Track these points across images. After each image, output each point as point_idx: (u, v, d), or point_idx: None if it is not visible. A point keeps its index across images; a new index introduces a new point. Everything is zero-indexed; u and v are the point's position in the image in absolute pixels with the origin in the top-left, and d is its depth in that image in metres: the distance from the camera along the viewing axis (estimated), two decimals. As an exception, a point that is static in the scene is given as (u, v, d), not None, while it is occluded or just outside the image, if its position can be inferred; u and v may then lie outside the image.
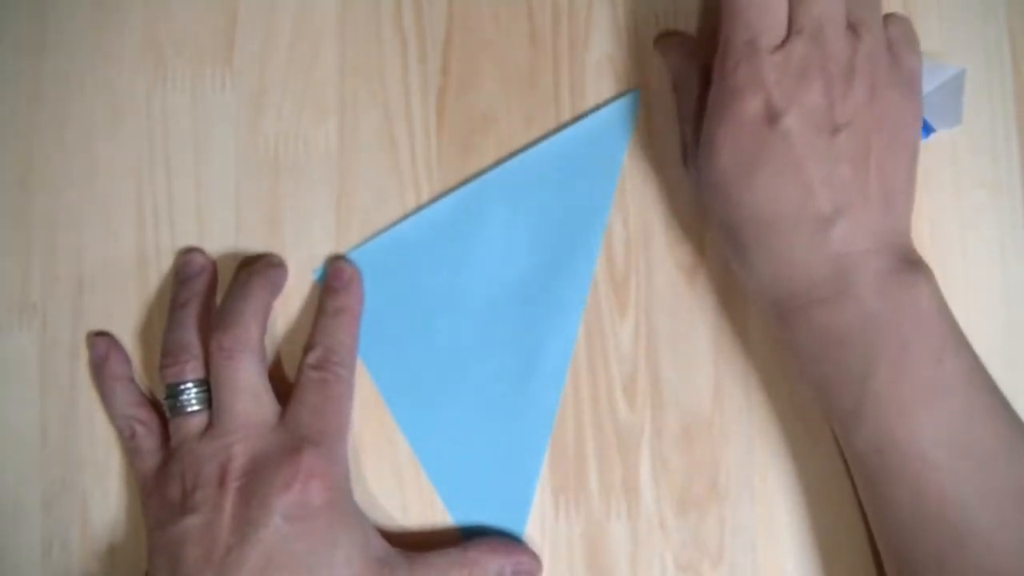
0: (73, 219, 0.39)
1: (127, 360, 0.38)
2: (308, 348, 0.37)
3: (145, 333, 0.38)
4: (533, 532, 0.38)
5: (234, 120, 0.39)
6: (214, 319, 0.36)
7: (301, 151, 0.39)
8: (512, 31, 0.39)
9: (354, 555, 0.34)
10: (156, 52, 0.39)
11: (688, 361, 0.38)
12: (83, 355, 0.38)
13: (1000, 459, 0.31)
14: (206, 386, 0.35)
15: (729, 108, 0.32)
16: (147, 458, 0.36)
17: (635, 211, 0.39)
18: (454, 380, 0.38)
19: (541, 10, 0.39)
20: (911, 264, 0.32)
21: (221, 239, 0.39)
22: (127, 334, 0.38)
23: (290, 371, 0.38)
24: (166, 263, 0.39)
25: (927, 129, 0.37)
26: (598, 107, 0.39)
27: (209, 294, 0.38)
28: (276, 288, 0.38)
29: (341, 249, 0.39)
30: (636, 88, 0.39)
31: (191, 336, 0.36)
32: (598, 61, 0.39)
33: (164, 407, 0.36)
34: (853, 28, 0.33)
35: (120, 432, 0.37)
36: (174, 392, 0.35)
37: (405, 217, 0.39)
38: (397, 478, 0.38)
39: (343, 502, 0.35)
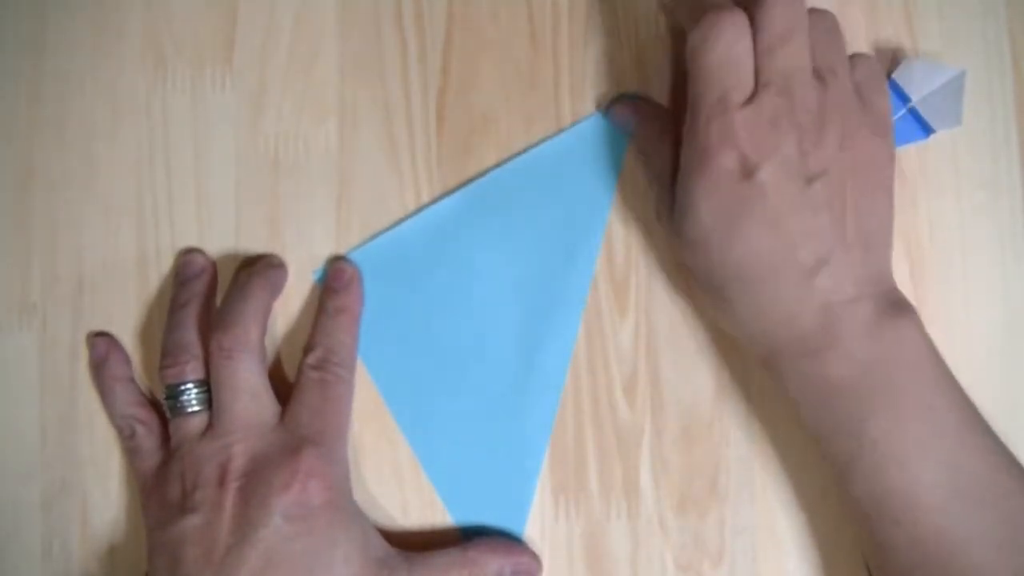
0: (73, 219, 0.39)
1: (127, 360, 0.38)
2: (308, 348, 0.37)
3: (145, 333, 0.38)
4: (533, 532, 0.38)
5: (234, 120, 0.39)
6: (214, 319, 0.36)
7: (301, 151, 0.39)
8: (512, 31, 0.39)
9: (353, 555, 0.34)
10: (156, 52, 0.39)
11: (688, 361, 0.38)
12: (83, 355, 0.38)
13: (992, 498, 0.31)
14: (206, 386, 0.35)
15: (704, 166, 0.32)
16: (147, 458, 0.36)
17: (635, 211, 0.39)
18: (454, 380, 0.38)
19: (541, 10, 0.39)
20: (896, 307, 0.32)
21: (221, 239, 0.39)
22: (127, 334, 0.38)
23: (290, 371, 0.38)
24: (166, 263, 0.39)
25: (927, 129, 0.37)
26: (598, 108, 0.39)
27: (209, 295, 0.38)
28: (276, 289, 0.38)
29: (341, 249, 0.39)
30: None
31: (191, 336, 0.36)
32: (598, 61, 0.39)
33: (164, 407, 0.36)
34: (819, 75, 0.33)
35: (120, 432, 0.37)
36: (174, 392, 0.35)
37: (405, 217, 0.39)
38: (397, 478, 0.38)
39: (343, 502, 0.35)
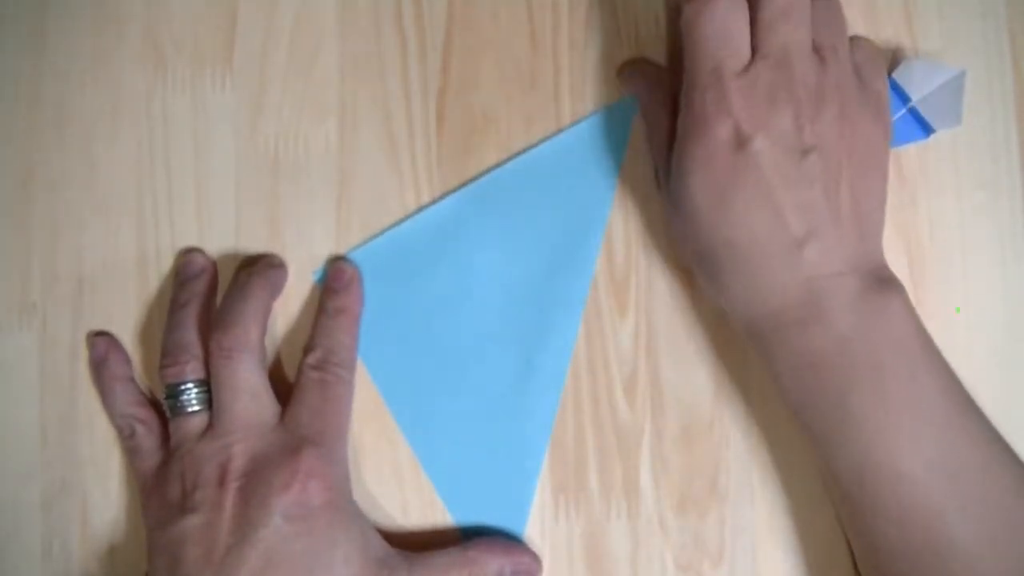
0: (73, 219, 0.39)
1: (127, 360, 0.38)
2: (308, 348, 0.37)
3: (145, 333, 0.38)
4: (533, 532, 0.38)
5: (234, 120, 0.39)
6: (214, 319, 0.36)
7: (301, 151, 0.39)
8: (512, 31, 0.39)
9: (353, 555, 0.34)
10: (156, 52, 0.39)
11: (688, 361, 0.38)
12: (83, 355, 0.38)
13: (975, 474, 0.31)
14: (206, 386, 0.35)
15: (698, 135, 0.32)
16: (147, 458, 0.36)
17: (635, 211, 0.39)
18: (454, 380, 0.38)
19: (541, 10, 0.39)
20: (883, 284, 0.32)
21: (221, 239, 0.39)
22: (127, 334, 0.38)
23: (290, 371, 0.38)
24: (166, 263, 0.39)
25: (927, 129, 0.37)
26: (598, 108, 0.39)
27: (209, 295, 0.38)
28: (276, 289, 0.38)
29: (341, 249, 0.39)
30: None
31: (191, 336, 0.36)
32: (598, 61, 0.39)
33: (164, 407, 0.36)
34: (819, 52, 0.33)
35: (120, 432, 0.37)
36: (174, 392, 0.35)
37: (405, 218, 0.39)
38: (397, 478, 0.38)
39: (342, 502, 0.35)
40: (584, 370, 0.38)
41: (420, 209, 0.39)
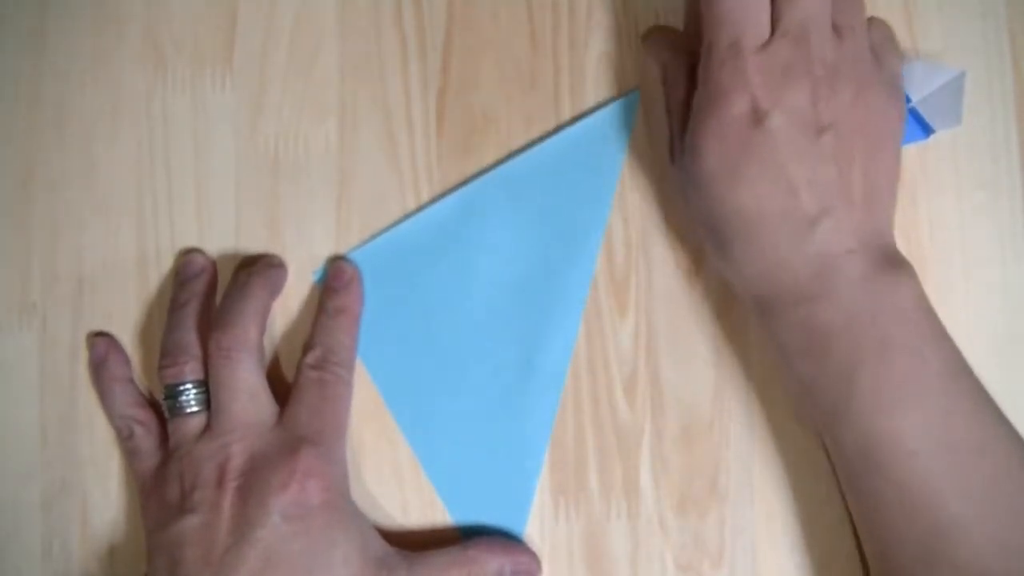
0: (73, 219, 0.39)
1: (126, 361, 0.38)
2: (307, 348, 0.37)
3: (145, 333, 0.38)
4: (533, 532, 0.38)
5: (234, 120, 0.39)
6: (213, 319, 0.36)
7: (301, 151, 0.39)
8: (512, 31, 0.39)
9: (352, 555, 0.34)
10: (156, 52, 0.39)
11: (688, 361, 0.38)
12: (83, 355, 0.38)
13: (979, 452, 0.31)
14: (205, 387, 0.35)
15: (714, 108, 0.33)
16: (146, 459, 0.36)
17: (635, 211, 0.39)
18: (454, 380, 0.38)
19: (541, 10, 0.39)
20: (893, 263, 0.33)
21: (221, 239, 0.39)
22: (127, 334, 0.38)
23: (289, 371, 0.38)
24: (166, 263, 0.39)
25: (927, 129, 0.37)
26: (598, 107, 0.39)
27: (209, 295, 0.38)
28: (276, 288, 0.38)
29: (341, 249, 0.39)
30: (636, 88, 0.39)
31: (190, 337, 0.36)
32: (598, 61, 0.39)
33: (163, 408, 0.36)
34: (837, 30, 0.33)
35: (119, 432, 0.37)
36: (173, 393, 0.35)
37: (405, 217, 0.39)
38: (397, 478, 0.38)
39: (341, 502, 0.35)
40: (584, 370, 0.38)
41: (420, 209, 0.39)
